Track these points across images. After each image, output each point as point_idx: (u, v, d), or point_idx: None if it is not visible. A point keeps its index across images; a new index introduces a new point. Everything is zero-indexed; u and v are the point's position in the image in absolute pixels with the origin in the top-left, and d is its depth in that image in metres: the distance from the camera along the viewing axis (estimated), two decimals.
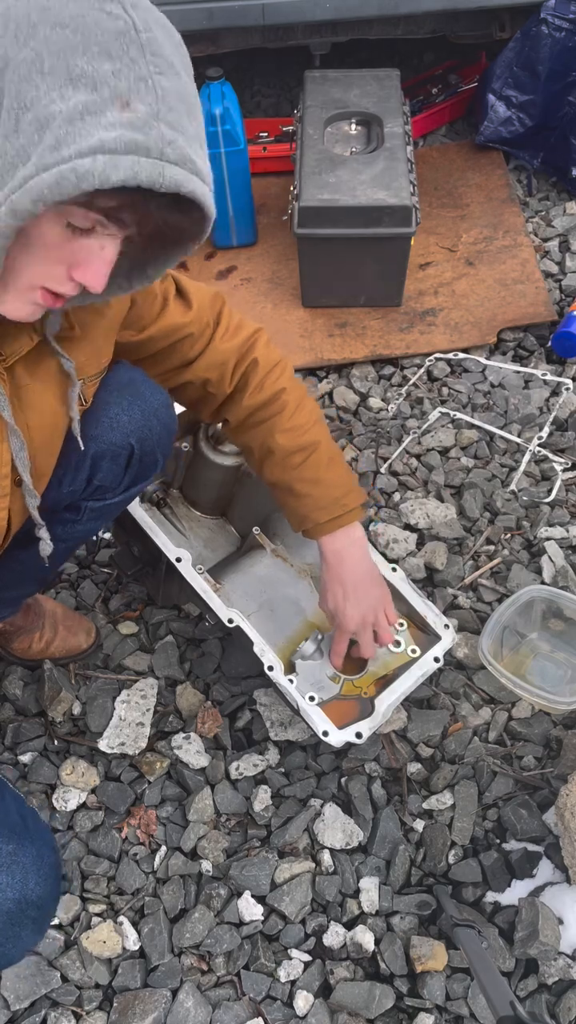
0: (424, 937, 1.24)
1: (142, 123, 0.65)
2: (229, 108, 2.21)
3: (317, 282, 2.24)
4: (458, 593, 1.65)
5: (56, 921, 1.28)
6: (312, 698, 1.30)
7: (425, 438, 1.95)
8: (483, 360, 2.11)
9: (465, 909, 1.27)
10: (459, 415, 1.99)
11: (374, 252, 2.14)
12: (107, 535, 1.73)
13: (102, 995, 1.23)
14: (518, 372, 2.08)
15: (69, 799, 1.41)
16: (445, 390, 2.08)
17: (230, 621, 1.31)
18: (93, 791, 1.42)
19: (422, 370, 2.12)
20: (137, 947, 1.26)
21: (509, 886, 1.29)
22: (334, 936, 1.26)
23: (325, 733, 1.26)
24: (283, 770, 1.44)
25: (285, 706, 1.43)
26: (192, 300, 1.13)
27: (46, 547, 1.06)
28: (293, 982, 1.24)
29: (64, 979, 1.24)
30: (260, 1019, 1.20)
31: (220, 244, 2.49)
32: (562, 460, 1.87)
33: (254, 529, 1.52)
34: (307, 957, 1.26)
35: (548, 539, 1.71)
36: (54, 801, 1.41)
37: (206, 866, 1.34)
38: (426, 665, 1.35)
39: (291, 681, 1.29)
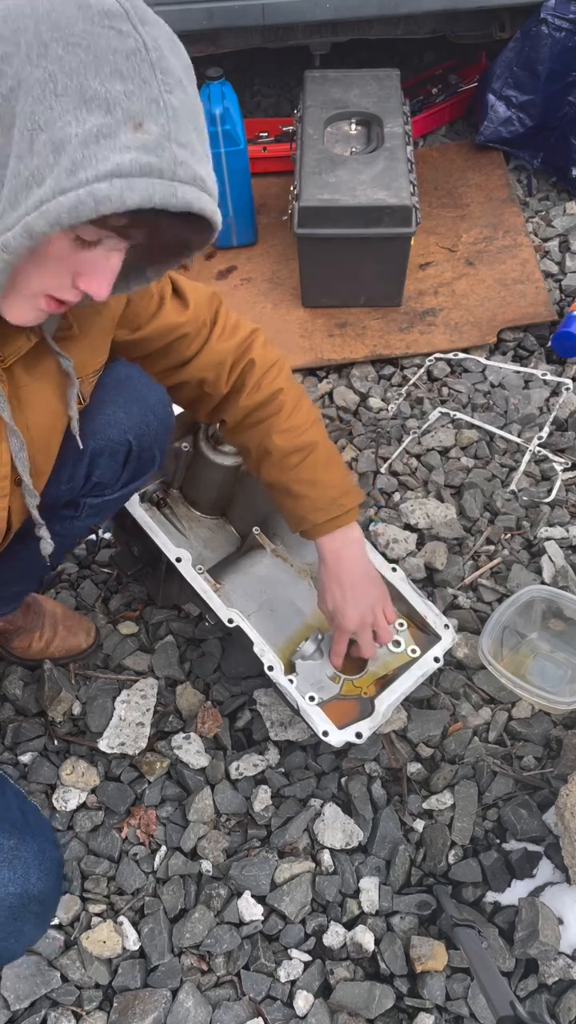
0: (424, 937, 1.24)
1: (155, 144, 0.66)
2: (229, 108, 2.21)
3: (317, 282, 2.24)
4: (458, 593, 1.65)
5: (56, 921, 1.28)
6: (312, 698, 1.30)
7: (425, 438, 1.95)
8: (483, 360, 2.11)
9: (465, 909, 1.27)
10: (459, 415, 1.99)
11: (374, 252, 2.14)
12: (107, 535, 1.73)
13: (102, 995, 1.23)
14: (518, 372, 2.08)
15: (69, 799, 1.41)
16: (445, 390, 2.08)
17: (230, 621, 1.31)
18: (93, 791, 1.42)
19: (422, 370, 2.12)
20: (137, 947, 1.26)
21: (509, 886, 1.29)
22: (334, 936, 1.26)
23: (325, 733, 1.26)
24: (283, 770, 1.44)
25: (285, 706, 1.43)
26: (189, 299, 1.13)
27: (47, 546, 1.07)
28: (293, 982, 1.24)
29: (64, 979, 1.24)
30: (260, 1019, 1.20)
31: (220, 244, 2.48)
32: (562, 460, 1.87)
33: (254, 529, 1.52)
34: (307, 957, 1.26)
35: (548, 539, 1.71)
36: (54, 801, 1.41)
37: (206, 866, 1.34)
38: (426, 665, 1.35)
39: (291, 681, 1.29)
